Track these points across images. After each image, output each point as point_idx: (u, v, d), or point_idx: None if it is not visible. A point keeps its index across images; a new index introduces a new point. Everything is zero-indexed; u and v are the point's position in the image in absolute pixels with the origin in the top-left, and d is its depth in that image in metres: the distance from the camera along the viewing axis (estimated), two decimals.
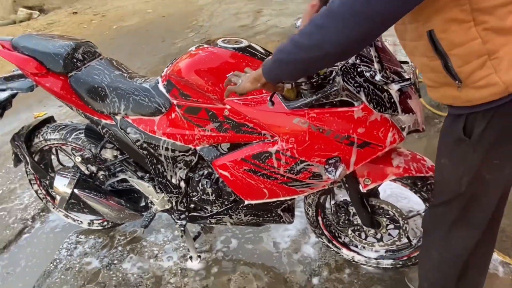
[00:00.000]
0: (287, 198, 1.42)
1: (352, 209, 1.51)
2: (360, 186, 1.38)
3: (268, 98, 1.18)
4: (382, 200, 1.50)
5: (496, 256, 1.66)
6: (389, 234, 1.54)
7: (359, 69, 1.21)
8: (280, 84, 1.14)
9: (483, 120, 0.92)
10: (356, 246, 1.69)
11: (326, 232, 1.67)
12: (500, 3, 0.82)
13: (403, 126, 1.25)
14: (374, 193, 1.53)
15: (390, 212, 1.48)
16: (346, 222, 1.55)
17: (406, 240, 1.57)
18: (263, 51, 1.39)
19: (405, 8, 0.81)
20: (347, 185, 1.42)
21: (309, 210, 1.61)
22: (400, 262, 1.61)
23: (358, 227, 1.55)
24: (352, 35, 0.83)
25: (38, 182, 1.92)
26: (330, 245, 1.68)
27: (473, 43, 0.85)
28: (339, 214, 1.54)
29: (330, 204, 1.55)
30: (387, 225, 1.51)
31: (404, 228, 1.49)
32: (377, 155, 1.26)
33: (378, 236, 1.56)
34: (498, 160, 0.96)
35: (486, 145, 0.94)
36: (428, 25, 0.89)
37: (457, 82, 0.91)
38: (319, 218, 1.63)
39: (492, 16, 0.83)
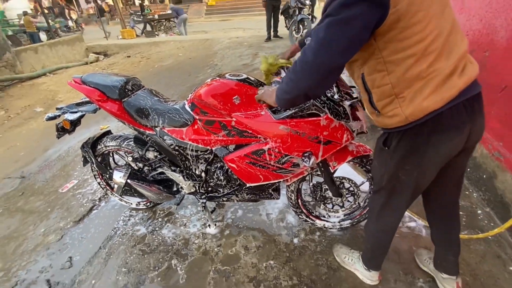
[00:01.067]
0: (276, 181, 1.44)
1: (324, 186, 1.53)
2: (330, 168, 1.41)
3: (269, 111, 1.27)
4: (343, 176, 1.53)
5: (420, 222, 1.67)
6: (348, 201, 1.58)
7: None
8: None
9: (396, 138, 0.93)
10: (324, 216, 1.68)
11: (304, 210, 1.66)
12: (405, 56, 0.80)
13: (353, 129, 1.29)
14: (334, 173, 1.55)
15: (348, 184, 1.53)
16: (320, 197, 1.57)
17: (357, 204, 1.61)
18: (256, 80, 1.40)
19: (342, 59, 0.79)
20: (322, 169, 1.44)
21: (292, 196, 1.59)
22: (355, 221, 1.63)
23: (328, 200, 1.57)
24: (312, 81, 0.83)
25: (100, 176, 1.90)
26: (307, 219, 1.67)
27: (385, 87, 0.86)
28: (316, 192, 1.56)
29: (309, 186, 1.56)
30: (347, 193, 1.55)
31: (357, 194, 1.54)
32: (336, 149, 1.29)
33: (341, 203, 1.59)
34: (408, 167, 0.95)
35: (399, 155, 0.94)
36: (362, 69, 0.91)
37: (376, 111, 0.94)
38: (299, 201, 1.62)
39: (399, 67, 0.82)
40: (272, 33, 6.58)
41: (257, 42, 6.73)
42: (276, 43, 6.35)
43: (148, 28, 10.58)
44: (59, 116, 1.59)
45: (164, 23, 10.78)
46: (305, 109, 1.23)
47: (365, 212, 1.61)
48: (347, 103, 1.23)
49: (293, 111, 1.24)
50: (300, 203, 1.63)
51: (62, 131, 1.60)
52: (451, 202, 1.14)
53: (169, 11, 10.92)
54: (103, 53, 7.98)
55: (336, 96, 1.21)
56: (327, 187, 1.53)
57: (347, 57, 0.80)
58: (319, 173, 1.50)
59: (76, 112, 1.58)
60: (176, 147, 1.46)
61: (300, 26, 5.55)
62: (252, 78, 1.40)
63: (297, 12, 5.69)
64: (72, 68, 6.76)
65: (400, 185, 1.01)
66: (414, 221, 1.68)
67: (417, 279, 1.37)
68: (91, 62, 7.22)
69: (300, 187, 1.58)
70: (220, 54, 6.01)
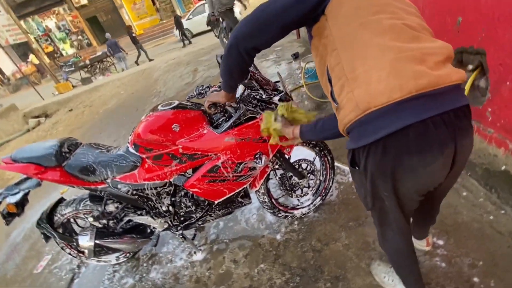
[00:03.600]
0: (240, 189, 1.44)
1: (288, 174, 1.57)
2: (286, 155, 1.47)
3: (210, 128, 1.26)
4: (298, 159, 1.59)
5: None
6: (310, 179, 1.64)
7: (251, 96, 1.27)
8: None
9: (362, 155, 0.75)
10: (298, 205, 1.71)
11: (281, 207, 1.66)
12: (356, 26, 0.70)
13: None
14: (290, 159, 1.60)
15: (305, 164, 1.60)
16: (289, 186, 1.60)
17: (318, 179, 1.68)
18: (190, 103, 1.39)
19: (282, 17, 0.73)
20: (281, 159, 1.48)
21: (264, 198, 1.58)
22: (324, 194, 1.70)
23: (296, 186, 1.61)
24: (248, 28, 0.77)
25: (69, 246, 1.73)
26: (286, 214, 1.68)
27: (337, 67, 0.73)
28: (283, 183, 1.60)
29: (276, 180, 1.58)
30: (307, 173, 1.61)
31: (315, 170, 1.62)
32: (283, 140, 1.31)
33: (307, 184, 1.64)
34: (386, 193, 0.78)
35: (370, 175, 0.76)
36: (326, 61, 0.79)
37: (336, 104, 0.78)
38: (272, 201, 1.62)
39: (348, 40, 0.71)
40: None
41: (194, 57, 6.67)
42: (206, 49, 6.30)
43: (84, 75, 9.99)
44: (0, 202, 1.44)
45: (98, 66, 10.25)
46: (242, 115, 1.25)
47: (327, 183, 1.69)
48: (276, 99, 1.27)
49: (232, 121, 1.25)
50: (274, 202, 1.64)
51: (9, 216, 1.45)
52: (434, 208, 1.03)
53: (100, 53, 10.41)
54: (43, 114, 7.38)
55: (264, 96, 1.24)
56: (291, 173, 1.57)
57: (287, 16, 0.73)
58: (278, 166, 1.53)
59: (17, 192, 1.44)
60: (134, 192, 1.40)
61: (229, 33, 5.61)
62: (185, 102, 1.39)
63: (221, 20, 5.72)
64: (14, 140, 6.17)
65: (387, 205, 0.82)
66: None
67: None
68: (33, 128, 6.65)
69: (268, 187, 1.59)
70: (161, 80, 5.87)
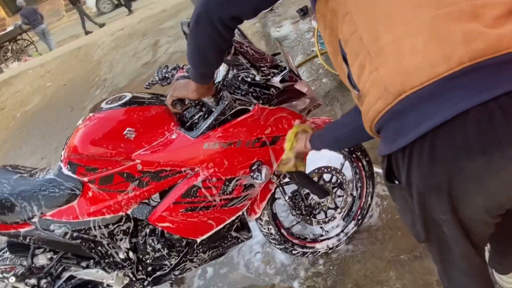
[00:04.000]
0: (234, 218, 1.45)
1: (304, 191, 1.59)
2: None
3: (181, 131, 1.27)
4: (318, 167, 1.61)
5: None
6: (338, 196, 1.66)
7: (239, 78, 1.28)
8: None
9: (403, 163, 0.74)
10: (322, 236, 1.73)
11: (295, 240, 1.67)
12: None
13: (300, 109, 1.34)
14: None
15: (328, 173, 1.62)
16: (307, 209, 1.62)
17: (350, 197, 1.69)
18: (149, 96, 1.40)
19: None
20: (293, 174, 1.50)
21: (270, 229, 1.58)
22: (359, 217, 1.72)
23: (317, 208, 1.63)
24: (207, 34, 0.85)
25: None
26: (305, 250, 1.68)
27: (354, 37, 0.76)
28: (297, 205, 1.61)
29: (286, 202, 1.60)
30: (333, 187, 1.64)
31: (344, 181, 1.63)
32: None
33: (333, 204, 1.66)
34: (444, 216, 0.76)
35: (417, 192, 0.75)
36: (338, 34, 0.82)
37: (356, 90, 0.81)
38: (283, 231, 1.63)
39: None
40: None
41: (153, 24, 6.70)
42: (169, 12, 6.32)
43: None
44: None
45: (10, 47, 10.29)
46: (227, 109, 1.26)
47: (363, 200, 1.71)
48: (276, 80, 1.28)
49: (213, 117, 1.26)
50: (285, 234, 1.64)
51: None
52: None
53: (11, 28, 10.45)
54: None
55: (258, 78, 1.26)
56: (307, 190, 1.58)
57: None
58: (288, 179, 1.55)
59: None
60: (75, 234, 1.40)
61: None
62: (141, 95, 1.40)
63: None
64: None
65: (447, 234, 0.80)
66: None
67: None
68: None
69: (274, 211, 1.60)
70: (106, 61, 5.92)
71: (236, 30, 1.26)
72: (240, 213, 1.46)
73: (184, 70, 1.37)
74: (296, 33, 3.96)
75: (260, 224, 1.59)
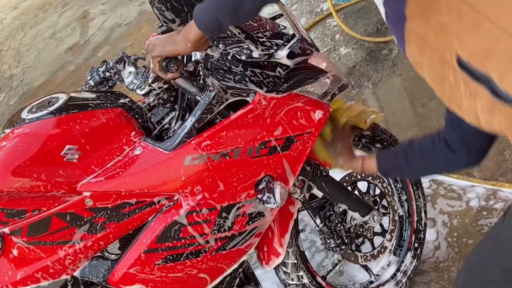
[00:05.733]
0: (235, 266, 1.46)
1: (339, 208, 1.63)
2: (323, 172, 1.55)
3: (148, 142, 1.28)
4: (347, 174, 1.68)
5: None
6: (384, 213, 1.72)
7: (229, 56, 1.29)
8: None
9: None
10: (372, 282, 1.77)
11: None
12: None
13: (321, 94, 1.35)
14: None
15: (362, 181, 1.70)
16: (348, 236, 1.65)
17: (400, 213, 1.76)
18: (94, 95, 1.41)
19: None
20: (316, 181, 1.55)
21: (301, 277, 1.61)
22: (416, 246, 1.77)
23: (360, 231, 1.68)
24: None
25: None
26: None
27: None
28: (336, 229, 1.63)
29: (317, 229, 1.64)
30: (377, 201, 1.72)
31: (386, 189, 1.71)
32: (314, 143, 1.39)
33: (379, 227, 1.71)
34: None
35: None
36: None
37: None
38: (319, 279, 1.66)
39: None
40: None
41: None
42: None
43: None
44: None
45: None
46: (215, 103, 1.26)
47: (416, 219, 1.77)
48: (282, 54, 1.30)
49: (196, 117, 1.27)
50: (325, 284, 1.68)
51: None
52: None
53: None
54: None
55: (256, 54, 1.26)
56: (345, 205, 1.61)
57: None
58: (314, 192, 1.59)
59: None
60: None
61: None
62: (81, 95, 1.43)
63: None
64: None
65: None
66: None
67: None
68: None
69: (302, 250, 1.62)
70: (10, 49, 5.93)
71: None
72: (245, 257, 1.47)
73: (153, 35, 1.40)
74: None
75: (284, 271, 1.59)
